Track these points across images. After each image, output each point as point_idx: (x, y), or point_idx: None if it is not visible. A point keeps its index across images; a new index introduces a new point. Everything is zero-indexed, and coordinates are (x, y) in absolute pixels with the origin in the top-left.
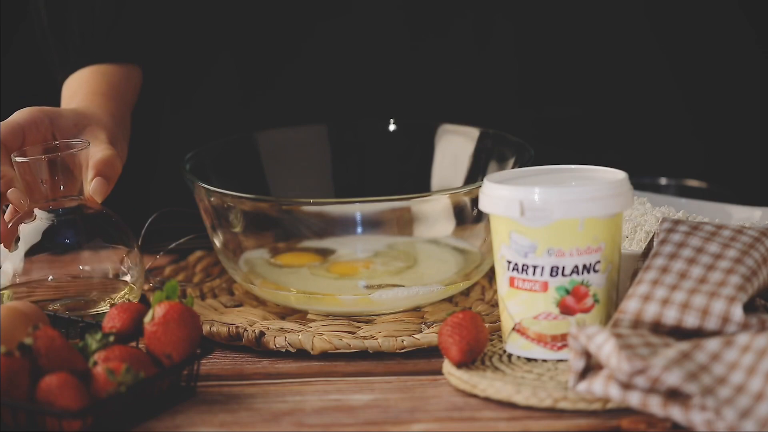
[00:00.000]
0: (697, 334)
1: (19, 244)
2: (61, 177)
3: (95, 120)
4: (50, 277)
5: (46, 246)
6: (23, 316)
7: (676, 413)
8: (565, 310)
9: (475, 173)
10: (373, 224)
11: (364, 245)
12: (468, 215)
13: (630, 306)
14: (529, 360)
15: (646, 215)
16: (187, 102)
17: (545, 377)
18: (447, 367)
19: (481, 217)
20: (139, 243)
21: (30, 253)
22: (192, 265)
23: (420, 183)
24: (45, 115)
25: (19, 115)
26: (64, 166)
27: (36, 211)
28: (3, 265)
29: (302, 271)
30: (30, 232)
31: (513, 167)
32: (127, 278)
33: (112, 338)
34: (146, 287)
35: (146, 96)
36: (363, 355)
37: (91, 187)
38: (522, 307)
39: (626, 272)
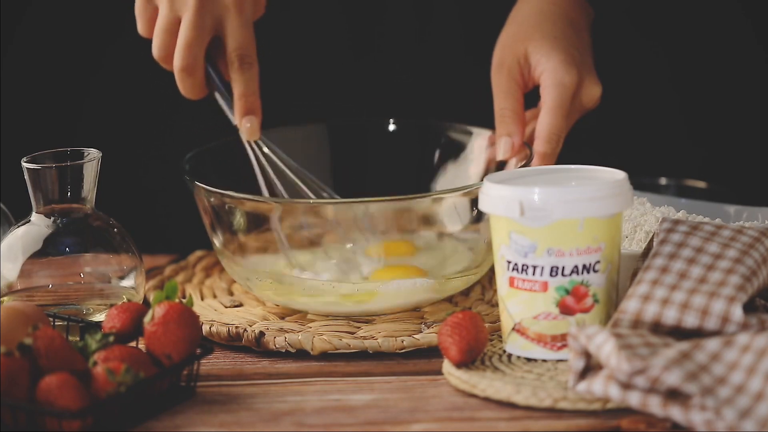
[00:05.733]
0: (697, 334)
1: (19, 251)
2: (69, 185)
3: None
4: (50, 285)
5: (47, 253)
6: (23, 316)
7: (676, 413)
8: (565, 310)
9: (476, 173)
10: (372, 224)
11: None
12: (468, 215)
13: (630, 306)
14: (528, 360)
15: (646, 215)
16: (187, 102)
17: (545, 377)
18: (447, 367)
19: (480, 216)
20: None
21: (30, 259)
22: (192, 265)
23: (420, 183)
24: None
25: None
26: (72, 174)
27: (39, 218)
28: (3, 271)
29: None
30: (31, 239)
31: (513, 167)
32: (128, 286)
33: (111, 338)
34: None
35: (147, 96)
36: (363, 355)
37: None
38: (522, 307)
39: (626, 272)
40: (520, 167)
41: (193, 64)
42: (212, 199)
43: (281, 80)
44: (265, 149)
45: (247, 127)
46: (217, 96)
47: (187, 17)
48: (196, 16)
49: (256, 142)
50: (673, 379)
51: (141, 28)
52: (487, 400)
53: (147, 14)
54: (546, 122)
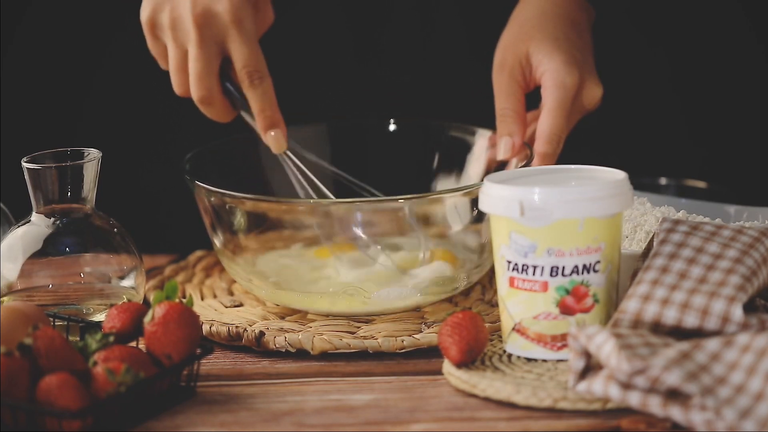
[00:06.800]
0: (697, 334)
1: (19, 251)
2: (69, 185)
3: None
4: (50, 285)
5: (47, 253)
6: (23, 316)
7: (676, 413)
8: (565, 310)
9: (476, 173)
10: (372, 224)
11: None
12: (468, 215)
13: (630, 306)
14: (529, 360)
15: (646, 215)
16: (188, 102)
17: (545, 377)
18: (447, 367)
19: (480, 216)
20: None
21: (30, 259)
22: (192, 265)
23: (420, 183)
24: None
25: None
26: (72, 174)
27: (39, 218)
28: (3, 271)
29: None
30: (31, 239)
31: (514, 167)
32: (128, 286)
33: (112, 338)
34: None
35: (147, 96)
36: (363, 355)
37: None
38: (522, 307)
39: (626, 272)
40: (521, 167)
41: (209, 95)
42: (212, 199)
43: (284, 81)
44: (297, 160)
45: (272, 140)
46: (243, 114)
47: (192, 50)
48: (199, 48)
49: (286, 154)
50: (673, 379)
51: (161, 65)
52: (487, 400)
53: (158, 51)
54: (547, 123)
